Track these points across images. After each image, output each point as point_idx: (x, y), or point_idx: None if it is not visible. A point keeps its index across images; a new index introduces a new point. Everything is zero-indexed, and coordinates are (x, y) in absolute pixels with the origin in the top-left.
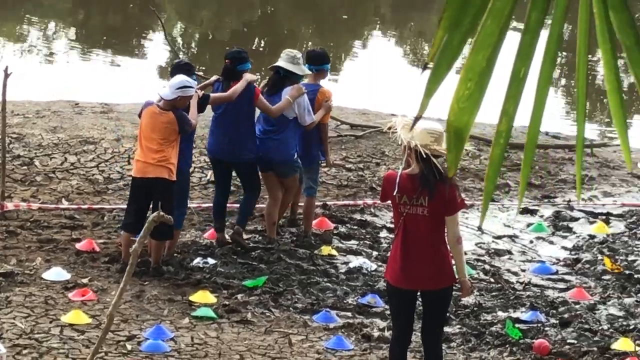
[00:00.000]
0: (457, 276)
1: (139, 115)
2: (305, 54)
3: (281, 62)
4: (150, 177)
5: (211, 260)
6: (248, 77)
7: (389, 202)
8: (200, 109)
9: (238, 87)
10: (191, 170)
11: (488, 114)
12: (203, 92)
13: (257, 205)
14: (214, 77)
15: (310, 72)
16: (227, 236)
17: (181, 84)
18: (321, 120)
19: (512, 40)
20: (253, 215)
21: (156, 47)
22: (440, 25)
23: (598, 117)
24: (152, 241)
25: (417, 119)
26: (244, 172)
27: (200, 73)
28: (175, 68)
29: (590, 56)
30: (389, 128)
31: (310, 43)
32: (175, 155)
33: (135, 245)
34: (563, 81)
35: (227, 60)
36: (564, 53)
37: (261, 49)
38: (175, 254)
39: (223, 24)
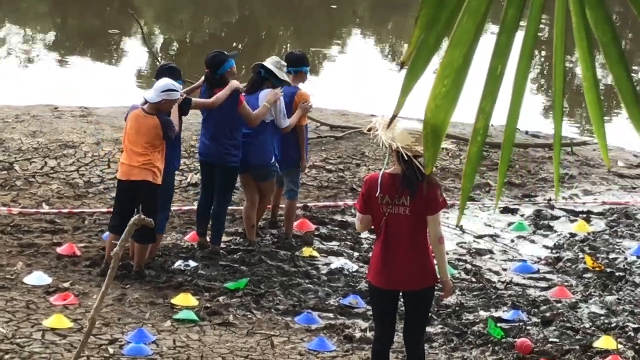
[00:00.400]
0: (439, 276)
1: (125, 119)
2: (285, 56)
3: (266, 62)
4: (134, 180)
5: (193, 263)
6: (234, 84)
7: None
8: (182, 112)
9: (221, 94)
10: None
11: (468, 114)
12: (185, 95)
13: (237, 208)
14: (201, 80)
15: (288, 78)
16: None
17: (166, 87)
18: (298, 123)
19: (488, 39)
20: (234, 218)
21: (135, 50)
22: (417, 24)
23: (578, 115)
24: (135, 244)
25: (394, 117)
26: (224, 177)
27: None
28: (160, 71)
29: (569, 57)
30: (370, 129)
31: (289, 45)
32: (160, 159)
33: (117, 248)
34: (542, 80)
35: (206, 69)
36: (543, 53)
37: (240, 51)
38: (156, 257)
39: (201, 27)
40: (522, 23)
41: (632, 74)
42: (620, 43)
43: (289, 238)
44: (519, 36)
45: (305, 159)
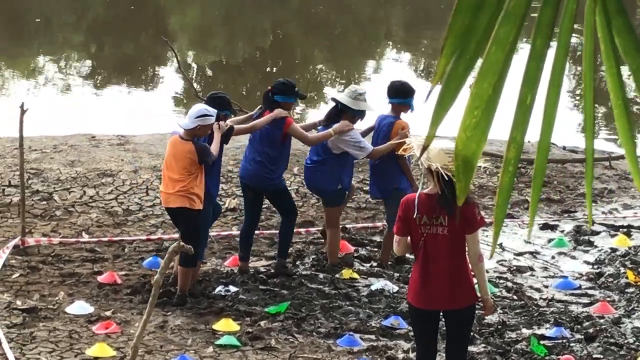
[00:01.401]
0: (479, 295)
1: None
2: (389, 84)
3: (339, 95)
4: (172, 207)
5: (233, 288)
6: (277, 112)
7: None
8: (225, 140)
9: (261, 120)
10: None
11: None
12: (229, 124)
13: (275, 231)
14: (255, 110)
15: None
16: (250, 265)
17: (200, 112)
18: (399, 152)
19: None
20: (272, 242)
21: (170, 77)
22: (443, 53)
23: (615, 128)
24: (178, 268)
25: (424, 148)
26: (273, 198)
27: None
28: (209, 99)
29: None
30: (404, 150)
31: (322, 66)
32: (198, 185)
33: (157, 276)
34: (579, 95)
35: (270, 87)
36: (579, 68)
37: (274, 73)
38: (197, 282)
39: (235, 51)
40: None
41: None
42: None
43: (383, 266)
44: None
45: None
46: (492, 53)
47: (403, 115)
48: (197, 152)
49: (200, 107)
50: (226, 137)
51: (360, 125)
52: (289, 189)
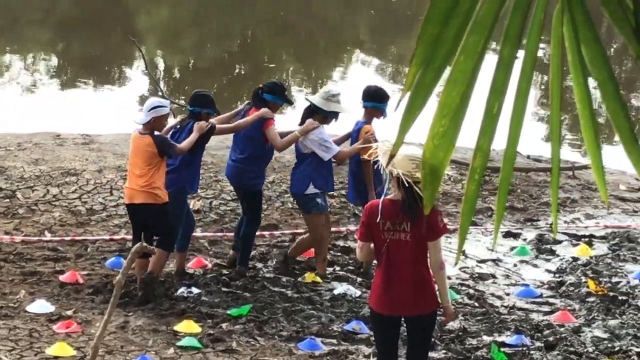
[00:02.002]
0: (440, 301)
1: None
2: (364, 88)
3: (312, 96)
4: (136, 203)
5: (195, 290)
6: (262, 111)
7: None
8: (206, 138)
9: (245, 120)
10: None
11: (470, 138)
12: (212, 122)
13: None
14: (242, 106)
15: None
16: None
17: (152, 105)
18: (363, 156)
19: (487, 72)
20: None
21: (137, 77)
22: (413, 62)
23: (579, 139)
24: (156, 249)
25: (392, 156)
26: (247, 198)
27: (182, 102)
28: (193, 97)
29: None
30: (369, 155)
31: (291, 69)
32: (159, 179)
33: (119, 276)
34: (545, 105)
35: (262, 85)
36: (545, 77)
37: (242, 76)
38: (160, 283)
39: (204, 53)
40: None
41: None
42: (616, 80)
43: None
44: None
45: (374, 194)
46: (461, 63)
47: (376, 121)
48: (156, 144)
49: (152, 100)
50: (206, 136)
51: (338, 130)
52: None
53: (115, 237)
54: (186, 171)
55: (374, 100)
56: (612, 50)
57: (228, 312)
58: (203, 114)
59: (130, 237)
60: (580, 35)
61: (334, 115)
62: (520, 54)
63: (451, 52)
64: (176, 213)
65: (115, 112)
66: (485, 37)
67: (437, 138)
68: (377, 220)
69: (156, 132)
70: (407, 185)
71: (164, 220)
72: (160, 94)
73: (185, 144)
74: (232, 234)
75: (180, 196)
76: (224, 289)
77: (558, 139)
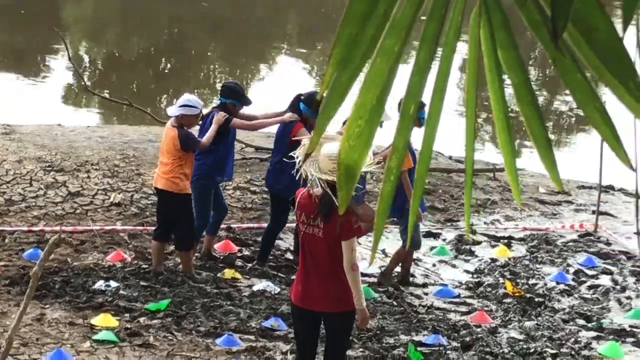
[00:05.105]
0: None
1: None
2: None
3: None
4: (158, 188)
5: (113, 283)
6: (287, 117)
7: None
8: (225, 129)
9: (267, 121)
10: (94, 193)
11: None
12: (227, 115)
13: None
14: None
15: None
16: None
17: (183, 102)
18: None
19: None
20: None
21: (61, 69)
22: (330, 62)
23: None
24: (179, 254)
25: (307, 155)
26: (272, 202)
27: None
28: (223, 89)
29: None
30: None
31: (217, 65)
32: (184, 170)
33: (36, 268)
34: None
35: (301, 96)
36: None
37: (168, 69)
38: (76, 276)
39: (130, 46)
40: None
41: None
42: (531, 84)
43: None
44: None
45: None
46: (377, 64)
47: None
48: (180, 139)
49: (187, 97)
50: (224, 127)
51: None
52: None
53: (34, 228)
54: (210, 158)
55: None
56: (537, 51)
57: (146, 306)
58: (228, 104)
59: (49, 228)
60: (497, 38)
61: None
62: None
63: (368, 53)
64: (202, 199)
65: (38, 103)
66: (402, 40)
67: (353, 139)
68: (295, 210)
69: (184, 127)
70: (324, 185)
71: (182, 212)
72: (84, 85)
73: (205, 138)
74: (153, 228)
75: (206, 183)
76: (142, 283)
77: (472, 140)
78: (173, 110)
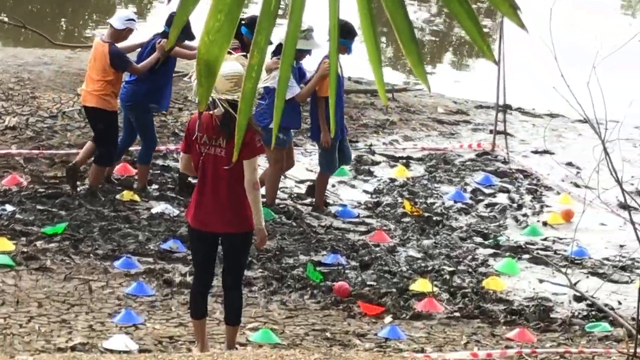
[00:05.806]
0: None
1: None
2: None
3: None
4: (87, 106)
5: (9, 207)
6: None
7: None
8: (166, 58)
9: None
10: None
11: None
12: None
13: (57, 152)
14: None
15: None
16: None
17: (130, 16)
18: (321, 94)
19: None
20: (53, 162)
21: None
22: None
23: (401, 63)
24: (92, 165)
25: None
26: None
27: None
28: (169, 19)
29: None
30: (190, 76)
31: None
32: (113, 88)
33: None
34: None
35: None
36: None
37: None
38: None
39: None
40: None
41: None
42: None
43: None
44: None
45: (327, 131)
46: None
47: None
48: (110, 55)
49: (129, 12)
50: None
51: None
52: None
53: None
54: (144, 86)
55: (340, 36)
56: None
57: (43, 230)
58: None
59: None
60: None
61: (305, 51)
62: None
63: None
64: (143, 125)
65: None
66: None
67: (212, 33)
68: (195, 134)
69: (116, 44)
70: (223, 105)
71: (110, 130)
72: None
73: (144, 63)
74: (48, 151)
75: (140, 109)
76: (39, 207)
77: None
78: (117, 23)
